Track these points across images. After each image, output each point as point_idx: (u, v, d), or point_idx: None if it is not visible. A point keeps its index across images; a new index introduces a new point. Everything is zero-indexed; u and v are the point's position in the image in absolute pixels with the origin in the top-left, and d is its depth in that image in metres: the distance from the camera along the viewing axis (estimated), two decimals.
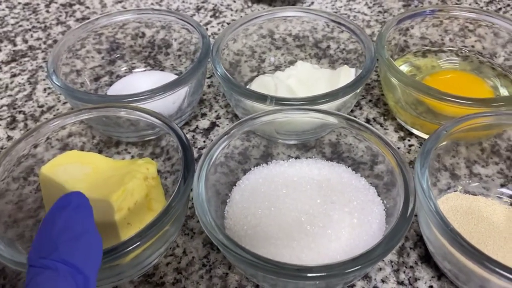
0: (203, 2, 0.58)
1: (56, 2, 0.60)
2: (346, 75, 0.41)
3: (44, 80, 0.49)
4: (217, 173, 0.37)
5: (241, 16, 0.56)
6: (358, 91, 0.37)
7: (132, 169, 0.31)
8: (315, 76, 0.42)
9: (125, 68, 0.49)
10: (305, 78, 0.42)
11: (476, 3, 0.56)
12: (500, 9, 0.55)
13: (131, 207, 0.30)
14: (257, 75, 0.47)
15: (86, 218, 0.23)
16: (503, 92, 0.41)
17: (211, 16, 0.56)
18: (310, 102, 0.35)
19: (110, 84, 0.47)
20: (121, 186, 0.30)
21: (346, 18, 0.45)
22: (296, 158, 0.39)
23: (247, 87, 0.44)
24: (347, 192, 0.33)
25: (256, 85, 0.42)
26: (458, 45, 0.46)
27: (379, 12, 0.55)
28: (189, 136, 0.42)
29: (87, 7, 0.59)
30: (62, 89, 0.38)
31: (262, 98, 0.36)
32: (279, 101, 0.36)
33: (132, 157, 0.40)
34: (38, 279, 0.20)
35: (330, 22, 0.46)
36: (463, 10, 0.44)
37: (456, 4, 0.56)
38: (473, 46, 0.46)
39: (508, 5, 0.55)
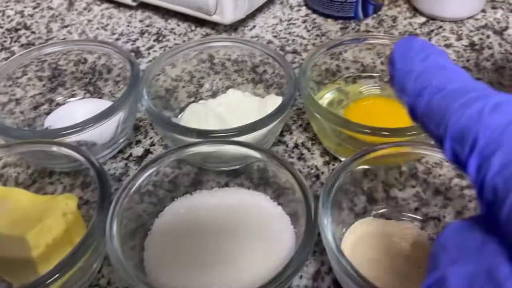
0: (147, 26, 0.60)
1: (1, 27, 0.61)
2: (273, 103, 0.43)
3: None
4: (143, 203, 0.38)
5: (183, 41, 0.57)
6: (276, 122, 0.39)
7: (51, 205, 0.33)
8: (245, 104, 0.44)
9: (65, 95, 0.50)
10: (235, 106, 0.44)
11: (411, 24, 0.58)
12: (432, 30, 0.57)
13: (49, 244, 0.31)
14: (194, 101, 0.49)
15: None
16: None
17: (154, 40, 0.57)
18: (234, 134, 0.37)
19: (49, 112, 0.48)
20: (38, 223, 0.31)
21: (271, 49, 0.47)
22: (225, 184, 0.40)
23: (180, 115, 0.46)
24: (263, 222, 0.35)
25: (188, 113, 0.44)
26: (386, 72, 0.49)
27: (317, 35, 0.57)
28: (121, 164, 0.43)
29: (33, 32, 0.60)
30: None
31: (184, 131, 0.37)
32: (201, 134, 0.37)
33: (65, 187, 0.41)
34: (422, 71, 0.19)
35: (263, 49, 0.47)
36: (389, 39, 0.46)
37: (392, 26, 0.58)
38: None
39: (440, 26, 0.58)
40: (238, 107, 0.44)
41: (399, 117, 0.42)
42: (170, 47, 0.56)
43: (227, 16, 0.54)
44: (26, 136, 0.38)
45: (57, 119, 0.46)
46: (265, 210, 0.35)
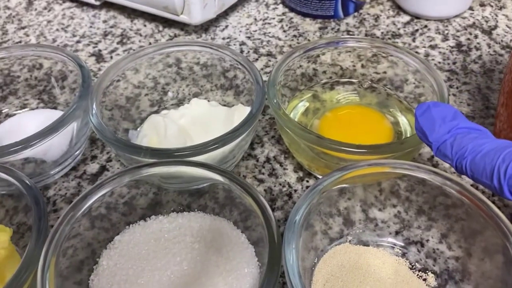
0: (111, 27, 0.55)
1: None
2: (241, 114, 0.39)
3: None
4: (94, 228, 0.34)
5: (149, 43, 0.53)
6: (243, 136, 0.35)
7: None
8: (210, 115, 0.40)
9: (16, 105, 0.45)
10: (200, 118, 0.40)
11: (394, 24, 0.54)
12: (417, 30, 0.53)
13: None
14: (156, 110, 0.45)
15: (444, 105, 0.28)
16: (405, 128, 0.40)
17: (118, 43, 0.53)
18: (192, 152, 0.33)
19: None
20: None
21: (238, 54, 0.43)
22: (187, 206, 0.36)
23: (140, 127, 0.42)
24: (225, 251, 0.31)
25: (147, 126, 0.40)
26: (368, 77, 0.45)
27: (294, 36, 0.53)
28: (74, 183, 0.39)
29: None
30: None
31: (136, 151, 0.33)
32: (155, 153, 0.33)
33: (7, 211, 0.37)
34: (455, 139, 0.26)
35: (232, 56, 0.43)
36: (371, 42, 0.42)
37: (374, 25, 0.54)
38: (380, 80, 0.44)
39: (425, 26, 0.54)
40: (202, 119, 0.40)
41: (379, 129, 0.39)
42: (134, 50, 0.52)
43: (195, 16, 0.50)
44: None
45: (4, 134, 0.42)
46: (228, 240, 0.31)
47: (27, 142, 0.35)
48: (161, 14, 0.52)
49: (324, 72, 0.46)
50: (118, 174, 0.32)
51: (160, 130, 0.38)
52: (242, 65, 0.41)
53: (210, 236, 0.32)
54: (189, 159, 0.32)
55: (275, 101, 0.36)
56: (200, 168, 0.32)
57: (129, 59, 0.42)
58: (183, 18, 0.51)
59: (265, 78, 0.48)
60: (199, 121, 0.39)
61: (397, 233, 0.35)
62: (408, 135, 0.39)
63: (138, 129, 0.42)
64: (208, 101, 0.44)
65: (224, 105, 0.45)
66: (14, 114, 0.44)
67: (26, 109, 0.45)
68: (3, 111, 0.45)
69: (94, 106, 0.36)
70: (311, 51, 0.42)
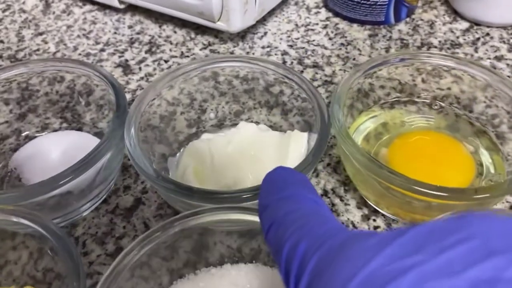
0: (138, 33, 0.50)
1: None
2: (297, 142, 0.34)
3: None
4: (133, 277, 0.29)
5: (181, 52, 0.48)
6: (307, 170, 0.30)
7: None
8: (261, 142, 0.35)
9: (36, 125, 0.40)
10: (249, 145, 0.35)
11: (452, 31, 0.49)
12: (478, 39, 0.48)
13: None
14: (195, 132, 0.40)
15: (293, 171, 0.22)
16: (485, 159, 0.34)
17: (146, 52, 0.48)
18: (253, 195, 0.28)
19: (16, 148, 0.39)
20: None
21: (291, 70, 0.37)
22: (237, 249, 0.31)
23: (179, 153, 0.37)
24: None
25: (188, 155, 0.35)
26: (431, 95, 0.39)
27: (342, 44, 0.48)
28: (105, 220, 0.34)
29: (1, 41, 0.50)
30: None
31: (187, 194, 0.28)
32: (209, 197, 0.28)
33: (31, 253, 0.32)
34: (274, 205, 0.20)
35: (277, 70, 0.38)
36: (436, 57, 0.37)
37: (430, 33, 0.49)
38: (445, 97, 0.39)
39: (487, 34, 0.48)
40: (252, 146, 0.34)
41: (459, 161, 0.33)
42: (165, 61, 0.47)
43: (235, 23, 0.45)
44: None
45: (25, 159, 0.37)
46: None
47: (55, 182, 0.30)
48: (194, 20, 0.47)
49: (382, 87, 0.41)
50: (165, 227, 0.27)
51: (206, 160, 0.33)
52: (290, 79, 0.36)
53: None
54: (248, 205, 0.27)
55: (340, 124, 0.31)
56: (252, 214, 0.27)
57: (167, 78, 0.36)
58: (220, 25, 0.45)
59: None
60: (248, 149, 0.34)
61: None
62: (492, 170, 0.34)
63: (177, 155, 0.37)
64: (253, 121, 0.39)
65: (271, 126, 0.40)
66: (35, 137, 0.39)
67: (48, 131, 0.40)
68: (22, 133, 0.40)
69: (132, 136, 0.31)
70: (381, 66, 0.37)
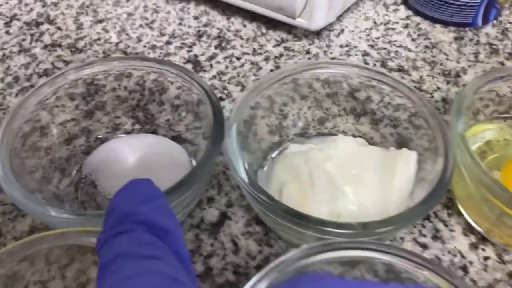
0: (205, 26, 0.47)
1: (18, 19, 0.48)
2: (406, 163, 0.31)
3: None
4: None
5: (253, 49, 0.44)
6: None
7: None
8: (362, 160, 0.32)
9: (106, 125, 0.37)
10: (349, 163, 0.32)
11: None
12: None
13: None
14: (279, 141, 0.37)
15: (149, 185, 0.20)
16: None
17: (216, 47, 0.45)
18: (390, 229, 0.25)
19: (87, 151, 0.36)
20: None
21: (389, 76, 0.34)
22: (339, 277, 0.29)
23: (266, 165, 0.34)
24: None
25: (281, 170, 0.32)
26: None
27: (426, 47, 0.44)
28: (191, 235, 0.32)
29: (59, 28, 0.47)
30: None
31: (304, 224, 0.25)
32: (325, 231, 0.25)
33: None
34: (111, 243, 0.17)
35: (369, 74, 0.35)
36: None
37: None
38: None
39: None
40: (352, 164, 0.31)
41: None
42: (237, 58, 0.44)
43: (317, 21, 0.41)
44: (62, 222, 0.26)
45: (99, 165, 0.34)
46: None
47: None
48: (269, 15, 0.44)
49: (481, 99, 0.37)
50: (280, 265, 0.24)
51: (304, 179, 0.30)
52: (381, 81, 0.33)
53: None
54: (379, 242, 0.24)
55: (459, 132, 0.28)
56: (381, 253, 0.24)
57: (266, 84, 0.34)
58: (299, 22, 0.42)
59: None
60: (349, 168, 0.31)
61: None
62: None
63: (265, 168, 0.34)
64: (339, 130, 0.36)
65: (360, 137, 0.37)
66: (106, 138, 0.37)
67: (119, 132, 0.37)
68: (91, 133, 0.37)
69: (236, 157, 0.28)
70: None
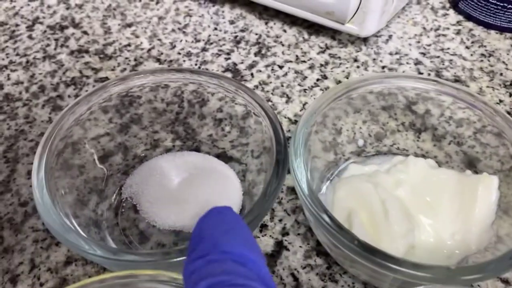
0: (242, 31, 0.43)
1: (41, 23, 0.45)
2: (486, 188, 0.27)
3: (27, 156, 0.35)
4: None
5: (296, 56, 0.41)
6: None
7: None
8: (436, 185, 0.29)
9: (144, 141, 0.34)
10: (422, 188, 0.28)
11: None
12: None
13: None
14: (334, 161, 0.33)
15: (231, 213, 0.20)
16: None
17: (256, 54, 0.41)
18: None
19: (125, 171, 0.33)
20: None
21: (451, 86, 0.31)
22: None
23: (324, 186, 0.31)
24: None
25: (346, 195, 0.28)
26: None
27: (482, 55, 0.41)
28: None
29: (85, 32, 0.43)
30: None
31: (384, 266, 0.22)
32: (403, 272, 0.22)
33: None
34: (201, 271, 0.17)
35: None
36: None
37: None
38: None
39: None
40: (427, 191, 0.28)
41: None
42: (280, 66, 0.40)
43: (369, 26, 0.38)
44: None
45: (140, 188, 0.31)
46: None
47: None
48: (314, 20, 0.40)
49: None
50: None
51: (375, 207, 0.27)
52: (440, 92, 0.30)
53: None
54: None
55: None
56: None
57: (324, 98, 0.30)
58: (349, 27, 0.39)
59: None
60: (421, 194, 0.28)
61: None
62: None
63: (323, 190, 0.31)
64: (399, 148, 0.33)
65: (423, 156, 0.34)
66: (145, 156, 0.33)
67: (159, 149, 0.34)
68: (128, 149, 0.34)
69: (301, 179, 0.25)
70: None
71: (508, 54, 0.41)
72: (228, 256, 0.18)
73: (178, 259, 0.22)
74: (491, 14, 0.42)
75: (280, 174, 0.26)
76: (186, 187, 0.30)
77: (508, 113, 0.37)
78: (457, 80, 0.39)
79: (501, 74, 0.39)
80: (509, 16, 0.42)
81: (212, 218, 0.20)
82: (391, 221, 0.27)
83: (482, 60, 0.41)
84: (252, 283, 0.17)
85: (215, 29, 0.44)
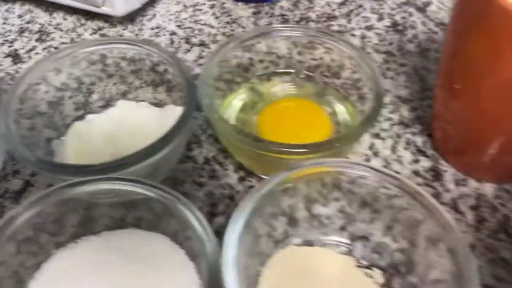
0: (28, 23, 0.51)
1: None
2: (174, 115, 0.36)
3: None
4: (21, 253, 0.31)
5: (72, 39, 0.49)
6: (176, 140, 0.33)
7: None
8: (139, 118, 0.37)
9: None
10: (128, 121, 0.37)
11: (329, 5, 0.53)
12: (352, 11, 0.52)
13: None
14: (82, 115, 0.41)
15: None
16: (343, 118, 0.39)
17: (36, 40, 0.49)
18: (117, 166, 0.30)
19: None
20: None
21: (165, 52, 0.40)
22: (120, 219, 0.34)
23: (63, 137, 0.39)
24: (164, 270, 0.29)
25: (71, 136, 0.37)
26: (305, 65, 0.43)
27: (227, 23, 0.51)
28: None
29: None
30: None
31: (60, 170, 0.30)
32: (80, 171, 0.30)
33: None
34: None
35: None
36: (304, 31, 0.41)
37: (309, 7, 0.53)
38: (317, 66, 0.42)
39: (360, 5, 0.53)
40: (131, 122, 0.37)
41: (318, 122, 0.37)
42: (55, 48, 0.48)
43: (119, 7, 0.47)
44: None
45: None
46: (165, 258, 0.30)
47: None
48: (81, 7, 0.48)
49: (261, 61, 0.44)
50: (43, 196, 0.29)
51: (84, 139, 0.35)
52: (169, 62, 0.39)
53: (146, 255, 0.30)
54: (116, 175, 0.30)
55: (207, 101, 0.34)
56: (129, 184, 0.29)
57: (50, 59, 0.38)
58: (105, 10, 0.47)
59: (198, 70, 0.46)
60: (127, 126, 0.37)
61: (341, 228, 0.34)
62: (348, 124, 0.38)
63: (62, 138, 0.39)
64: (137, 101, 0.42)
65: (156, 104, 0.42)
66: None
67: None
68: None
69: (10, 123, 0.33)
70: (245, 42, 0.40)
71: (248, 20, 0.51)
72: None
73: None
74: None
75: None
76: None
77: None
78: (201, 43, 0.48)
79: None
80: None
81: None
82: (94, 148, 0.35)
83: (225, 27, 0.50)
84: None
85: (4, 23, 0.51)
